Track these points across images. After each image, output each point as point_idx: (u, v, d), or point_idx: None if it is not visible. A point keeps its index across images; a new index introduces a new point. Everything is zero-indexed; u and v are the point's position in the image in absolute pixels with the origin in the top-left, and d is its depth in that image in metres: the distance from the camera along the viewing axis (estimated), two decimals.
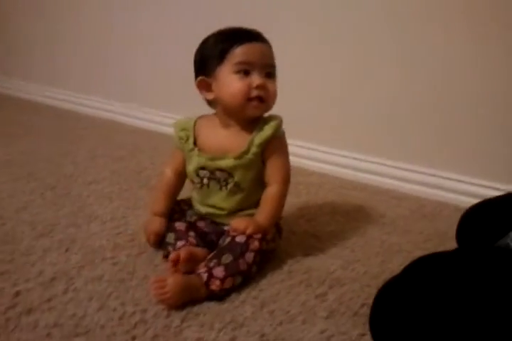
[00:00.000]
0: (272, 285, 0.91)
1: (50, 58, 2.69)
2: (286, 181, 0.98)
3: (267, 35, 0.98)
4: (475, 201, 1.02)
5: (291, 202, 1.35)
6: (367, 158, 1.58)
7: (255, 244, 0.90)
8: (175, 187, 1.06)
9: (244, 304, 0.84)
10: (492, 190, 1.31)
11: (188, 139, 1.00)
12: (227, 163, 0.95)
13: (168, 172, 1.06)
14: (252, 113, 0.94)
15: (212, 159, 0.96)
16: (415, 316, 0.58)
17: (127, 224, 1.14)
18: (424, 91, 1.43)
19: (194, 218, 1.03)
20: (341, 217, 1.27)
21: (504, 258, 0.62)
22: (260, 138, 0.94)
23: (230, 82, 0.91)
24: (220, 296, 0.85)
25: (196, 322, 0.78)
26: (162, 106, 2.11)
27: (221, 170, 0.96)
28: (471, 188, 1.37)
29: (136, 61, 2.22)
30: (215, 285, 0.83)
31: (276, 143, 0.96)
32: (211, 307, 0.83)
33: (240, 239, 0.90)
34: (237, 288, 0.88)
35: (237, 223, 0.92)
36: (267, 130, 0.94)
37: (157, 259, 0.98)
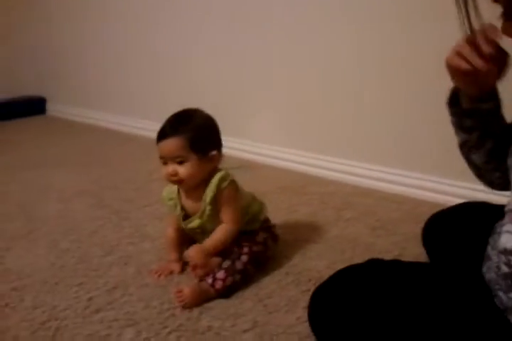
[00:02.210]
0: (269, 284, 1.23)
1: (124, 90, 3.10)
2: (234, 223, 1.25)
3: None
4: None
5: (304, 213, 1.66)
6: (375, 167, 1.85)
7: (245, 249, 1.24)
8: (178, 239, 1.35)
9: (245, 300, 1.17)
10: (474, 191, 1.54)
11: (176, 206, 1.31)
12: (194, 224, 1.28)
13: (170, 231, 1.35)
14: (180, 188, 1.28)
15: (186, 223, 1.29)
16: (342, 312, 0.86)
17: None
18: (427, 105, 1.67)
19: None
20: (343, 223, 1.56)
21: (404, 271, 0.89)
22: (207, 198, 1.24)
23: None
24: (227, 294, 1.18)
25: (209, 314, 1.12)
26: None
27: (197, 228, 1.29)
28: (463, 191, 1.60)
29: (205, 90, 2.57)
30: (219, 284, 1.17)
31: (223, 196, 1.24)
32: (221, 303, 1.16)
33: (234, 247, 1.24)
34: (242, 287, 1.21)
35: (188, 255, 1.22)
36: (210, 191, 1.24)
37: (189, 268, 1.32)
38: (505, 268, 0.76)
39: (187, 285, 1.19)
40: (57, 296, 1.23)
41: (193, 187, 1.27)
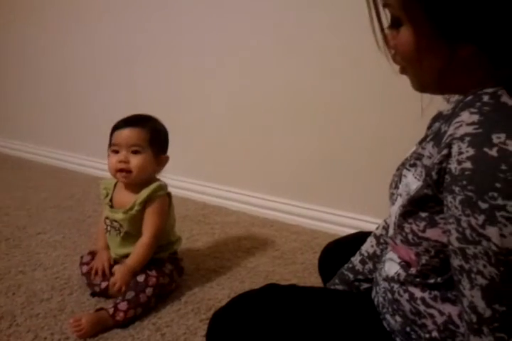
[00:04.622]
0: (169, 313, 1.21)
1: (7, 110, 2.97)
2: (154, 235, 1.25)
3: None
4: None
5: (206, 242, 1.66)
6: (275, 198, 1.91)
7: (153, 281, 1.21)
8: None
9: (143, 329, 1.14)
10: (368, 223, 1.64)
11: (107, 196, 1.33)
12: (118, 216, 1.28)
13: (103, 222, 1.35)
14: (122, 181, 1.28)
15: (112, 212, 1.29)
16: (240, 336, 0.87)
17: (65, 270, 1.43)
18: (307, 148, 1.76)
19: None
20: (242, 253, 1.57)
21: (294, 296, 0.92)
22: (140, 198, 1.26)
23: (109, 158, 1.28)
24: (125, 324, 1.14)
25: None
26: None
27: (116, 221, 1.29)
28: (353, 222, 1.70)
29: (89, 113, 2.51)
30: (120, 316, 1.13)
31: (153, 203, 1.26)
32: (118, 332, 1.13)
33: (140, 278, 1.21)
34: (140, 317, 1.18)
35: (116, 278, 1.21)
36: (145, 192, 1.26)
37: (84, 298, 1.27)
38: (389, 295, 0.81)
39: (83, 315, 1.14)
40: None
41: (132, 185, 1.28)
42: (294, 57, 1.75)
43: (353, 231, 1.60)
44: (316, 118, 1.75)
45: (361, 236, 1.29)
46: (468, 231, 0.59)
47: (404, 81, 0.75)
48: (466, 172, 0.58)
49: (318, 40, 1.67)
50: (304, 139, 1.80)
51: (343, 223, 1.72)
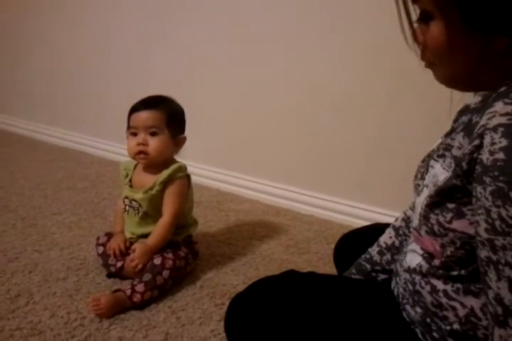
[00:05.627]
0: (184, 297, 1.22)
1: (24, 92, 2.98)
2: (174, 215, 1.27)
3: None
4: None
5: (220, 228, 1.67)
6: (289, 187, 1.90)
7: (170, 263, 1.22)
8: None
9: (159, 312, 1.15)
10: (381, 215, 1.64)
11: (127, 176, 1.35)
12: (138, 195, 1.29)
13: (121, 202, 1.36)
14: (141, 162, 1.31)
15: (132, 191, 1.31)
16: (259, 322, 0.88)
17: (80, 250, 1.44)
18: (322, 138, 1.76)
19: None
20: (257, 241, 1.57)
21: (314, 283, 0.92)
22: (161, 178, 1.27)
23: (128, 141, 1.29)
24: (142, 306, 1.15)
25: (120, 325, 1.09)
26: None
27: (135, 200, 1.30)
28: (367, 213, 1.70)
29: (105, 96, 2.52)
30: (137, 298, 1.14)
31: (174, 184, 1.28)
32: (134, 314, 1.13)
33: (157, 260, 1.21)
34: (156, 300, 1.18)
35: (131, 259, 1.23)
36: (166, 173, 1.27)
37: (99, 278, 1.28)
38: (410, 286, 0.81)
39: (102, 295, 1.15)
40: None
41: (151, 166, 1.30)
42: (306, 49, 1.74)
43: (366, 223, 1.60)
44: (331, 108, 1.74)
45: (378, 228, 1.28)
46: (497, 223, 0.58)
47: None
48: (499, 163, 0.58)
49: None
50: (319, 129, 1.80)
51: (356, 214, 1.72)
